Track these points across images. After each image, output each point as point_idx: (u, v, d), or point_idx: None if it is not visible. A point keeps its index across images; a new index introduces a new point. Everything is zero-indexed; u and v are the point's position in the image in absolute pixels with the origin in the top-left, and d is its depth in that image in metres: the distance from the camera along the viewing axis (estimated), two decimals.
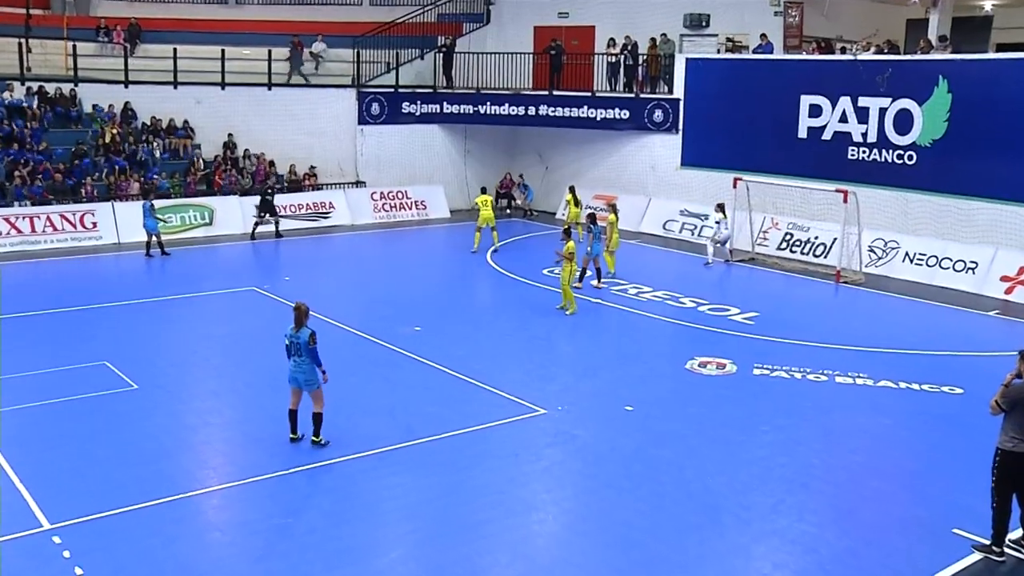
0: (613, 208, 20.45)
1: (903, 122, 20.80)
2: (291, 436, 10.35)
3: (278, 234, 23.61)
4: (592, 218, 18.87)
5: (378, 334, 14.86)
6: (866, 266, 20.69)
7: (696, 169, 25.15)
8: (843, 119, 21.89)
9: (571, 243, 16.05)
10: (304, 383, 10.11)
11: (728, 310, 17.03)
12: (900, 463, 10.52)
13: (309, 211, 25.60)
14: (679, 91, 25.31)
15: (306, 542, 8.36)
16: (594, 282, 18.59)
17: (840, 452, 10.67)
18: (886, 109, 21.05)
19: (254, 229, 23.43)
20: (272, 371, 12.36)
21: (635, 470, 9.97)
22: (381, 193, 27.31)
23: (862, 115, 21.50)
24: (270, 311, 16.36)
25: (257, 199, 23.63)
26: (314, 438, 10.23)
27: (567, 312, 15.97)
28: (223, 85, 25.69)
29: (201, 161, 24.91)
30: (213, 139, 25.53)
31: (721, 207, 21.46)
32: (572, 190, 23.70)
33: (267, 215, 23.47)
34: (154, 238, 20.83)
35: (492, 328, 15.73)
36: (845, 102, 21.79)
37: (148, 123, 24.84)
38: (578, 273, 17.42)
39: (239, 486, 9.40)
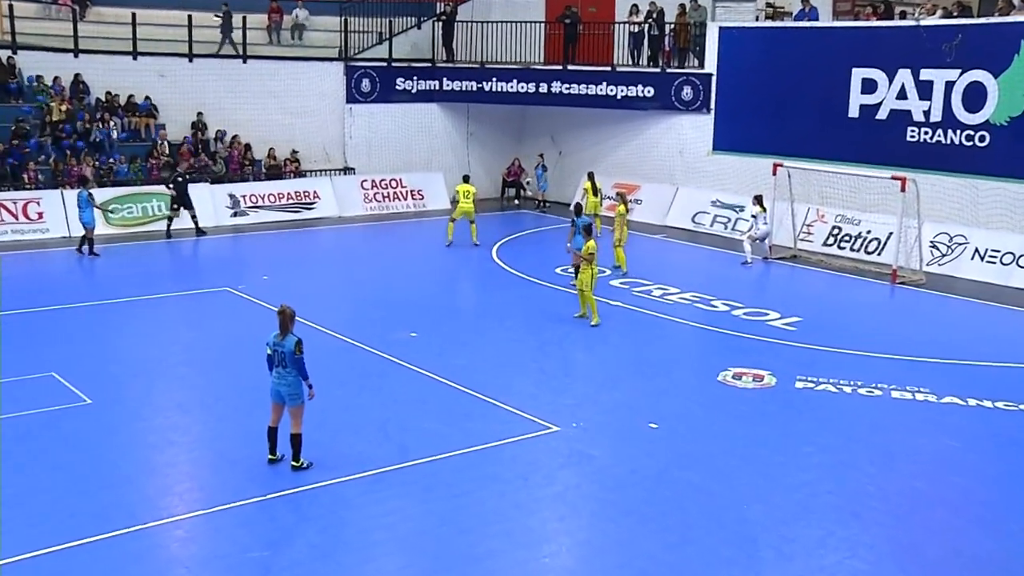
0: (622, 198, 20.49)
1: (974, 97, 20.63)
2: (269, 457, 10.34)
3: (199, 231, 22.79)
4: (578, 209, 18.99)
5: (368, 340, 14.85)
6: (927, 264, 20.59)
7: (730, 154, 25.09)
8: (902, 95, 21.78)
9: (592, 242, 15.91)
10: (288, 397, 10.08)
11: (767, 314, 16.97)
12: (970, 491, 10.42)
13: (291, 201, 25.64)
14: (711, 65, 25.25)
15: None
16: (573, 280, 18.57)
17: (898, 478, 10.59)
18: (953, 83, 20.89)
19: (168, 225, 22.68)
20: (248, 383, 12.35)
21: (660, 496, 9.93)
22: (372, 181, 27.33)
23: (924, 90, 21.38)
24: (246, 315, 16.37)
25: (167, 188, 22.65)
26: (293, 462, 10.21)
27: (591, 323, 15.87)
28: (191, 56, 25.73)
29: (166, 144, 24.92)
30: (179, 119, 25.56)
31: (759, 199, 21.39)
32: (591, 177, 23.65)
33: (180, 208, 22.53)
34: (93, 233, 20.36)
35: (498, 334, 15.71)
36: (904, 75, 21.66)
37: (103, 99, 24.80)
38: (574, 271, 17.49)
39: (208, 515, 9.38)
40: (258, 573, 8.39)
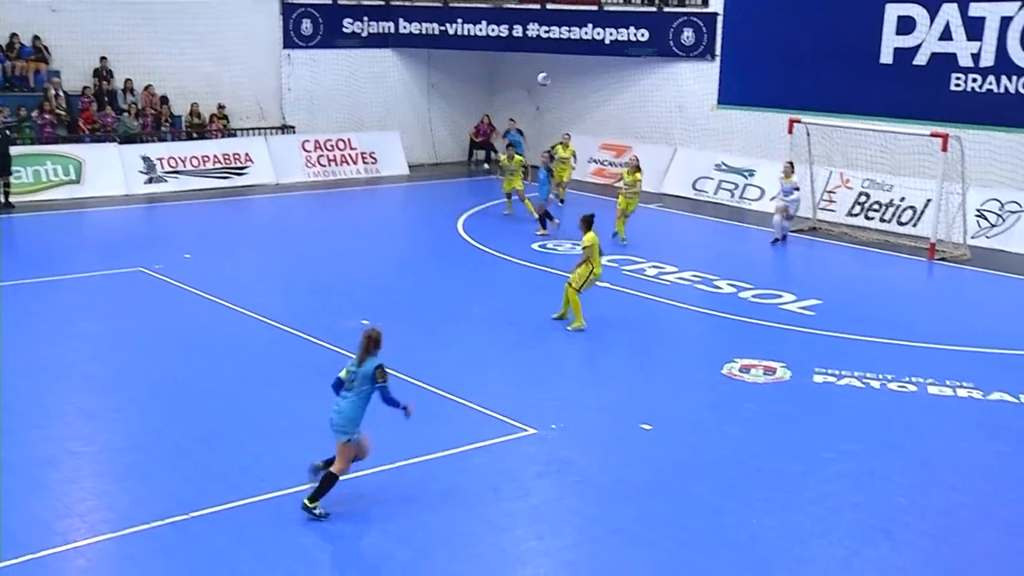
0: (636, 167, 20.57)
1: None
2: (316, 464, 9.81)
3: (7, 203, 22.24)
4: (550, 156, 20.91)
5: (311, 330, 14.79)
6: (973, 237, 20.75)
7: (738, 108, 25.15)
8: (946, 35, 21.86)
9: (589, 234, 15.16)
10: (336, 428, 9.72)
11: (779, 296, 17.06)
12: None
13: (218, 166, 25.48)
14: (716, 3, 25.24)
15: None
16: (539, 230, 20.77)
17: (937, 490, 10.65)
18: (1011, 18, 20.90)
19: (3, 194, 22.28)
20: (167, 382, 12.27)
21: (655, 511, 9.95)
22: (315, 142, 27.20)
23: (974, 28, 21.41)
24: (163, 300, 16.27)
25: None
26: (308, 500, 9.59)
27: (569, 327, 15.42)
28: None
29: (61, 94, 24.60)
30: (77, 64, 25.30)
31: (791, 167, 21.09)
32: (553, 150, 23.18)
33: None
34: None
35: (465, 322, 15.70)
36: (950, 11, 21.70)
37: None
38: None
39: (118, 539, 9.29)
40: None
